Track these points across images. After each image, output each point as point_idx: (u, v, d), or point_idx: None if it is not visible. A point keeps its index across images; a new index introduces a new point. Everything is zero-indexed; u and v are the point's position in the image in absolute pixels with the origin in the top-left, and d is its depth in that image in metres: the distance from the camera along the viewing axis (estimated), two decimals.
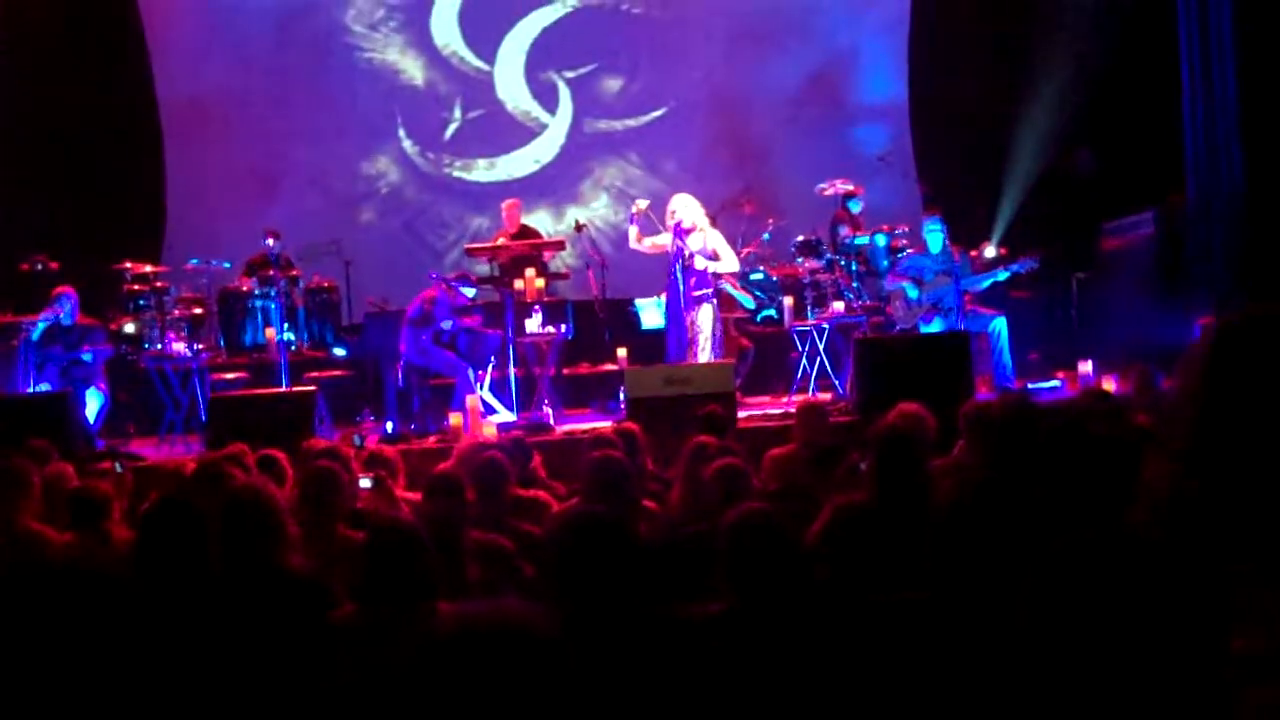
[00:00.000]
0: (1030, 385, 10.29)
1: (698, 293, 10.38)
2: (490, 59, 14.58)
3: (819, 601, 3.37)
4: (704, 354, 10.30)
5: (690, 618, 3.48)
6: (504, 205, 12.47)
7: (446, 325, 10.44)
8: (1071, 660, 1.83)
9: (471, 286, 10.79)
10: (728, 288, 10.94)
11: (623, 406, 9.64)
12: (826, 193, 12.33)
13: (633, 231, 10.73)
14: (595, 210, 14.40)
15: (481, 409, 9.92)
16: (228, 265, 12.36)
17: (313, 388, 10.13)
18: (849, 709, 3.09)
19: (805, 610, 3.34)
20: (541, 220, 13.74)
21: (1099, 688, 1.77)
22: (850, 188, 12.24)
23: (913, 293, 10.60)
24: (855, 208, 12.22)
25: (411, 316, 10.50)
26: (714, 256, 10.47)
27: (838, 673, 3.16)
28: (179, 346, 11.07)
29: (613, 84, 14.65)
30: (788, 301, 11.33)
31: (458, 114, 14.61)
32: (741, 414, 9.66)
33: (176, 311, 11.44)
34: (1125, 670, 1.79)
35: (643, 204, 10.89)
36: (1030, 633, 1.90)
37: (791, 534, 3.51)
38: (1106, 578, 1.88)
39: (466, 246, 12.61)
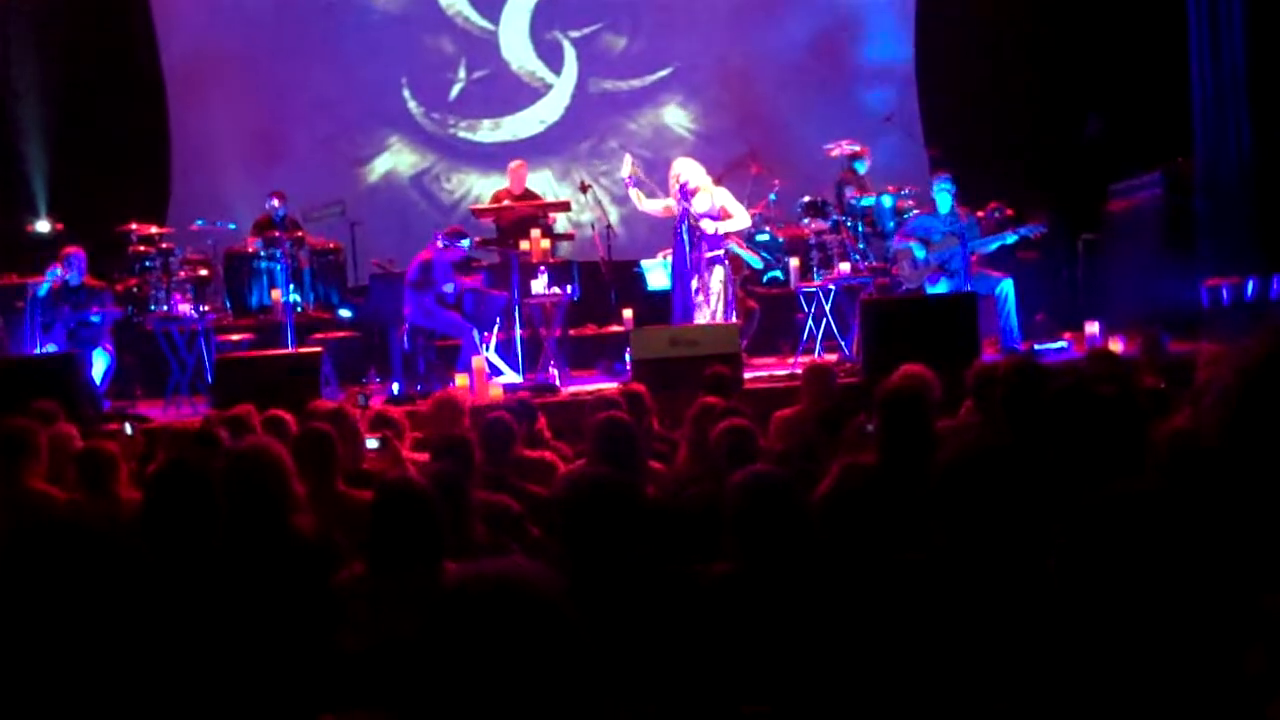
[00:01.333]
0: (1037, 346, 10.28)
1: (709, 254, 10.35)
2: (495, 19, 14.52)
3: (825, 562, 3.38)
4: (709, 315, 10.28)
5: (697, 578, 3.48)
6: (510, 166, 12.44)
7: (449, 288, 10.41)
8: (1106, 615, 1.83)
9: (465, 243, 10.71)
10: (734, 248, 10.91)
11: (628, 368, 9.64)
12: (833, 154, 12.29)
13: (634, 194, 10.68)
14: (600, 171, 14.35)
15: (487, 370, 9.92)
16: (233, 226, 12.36)
17: (318, 349, 10.15)
18: (854, 668, 3.10)
19: (812, 571, 3.35)
20: (546, 180, 13.72)
21: (1131, 644, 1.76)
22: (857, 149, 12.19)
23: (920, 253, 10.58)
24: (861, 169, 12.18)
25: (411, 279, 10.47)
26: (723, 214, 10.43)
27: (843, 633, 3.17)
28: (185, 308, 11.07)
29: (618, 44, 14.59)
30: (793, 262, 11.30)
31: (463, 74, 14.56)
32: (747, 375, 9.66)
33: (182, 273, 11.44)
34: (1157, 629, 1.79)
35: (629, 165, 10.79)
36: (1063, 587, 1.89)
37: (799, 495, 3.52)
38: (1143, 532, 1.88)
39: (472, 207, 12.59)
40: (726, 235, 10.55)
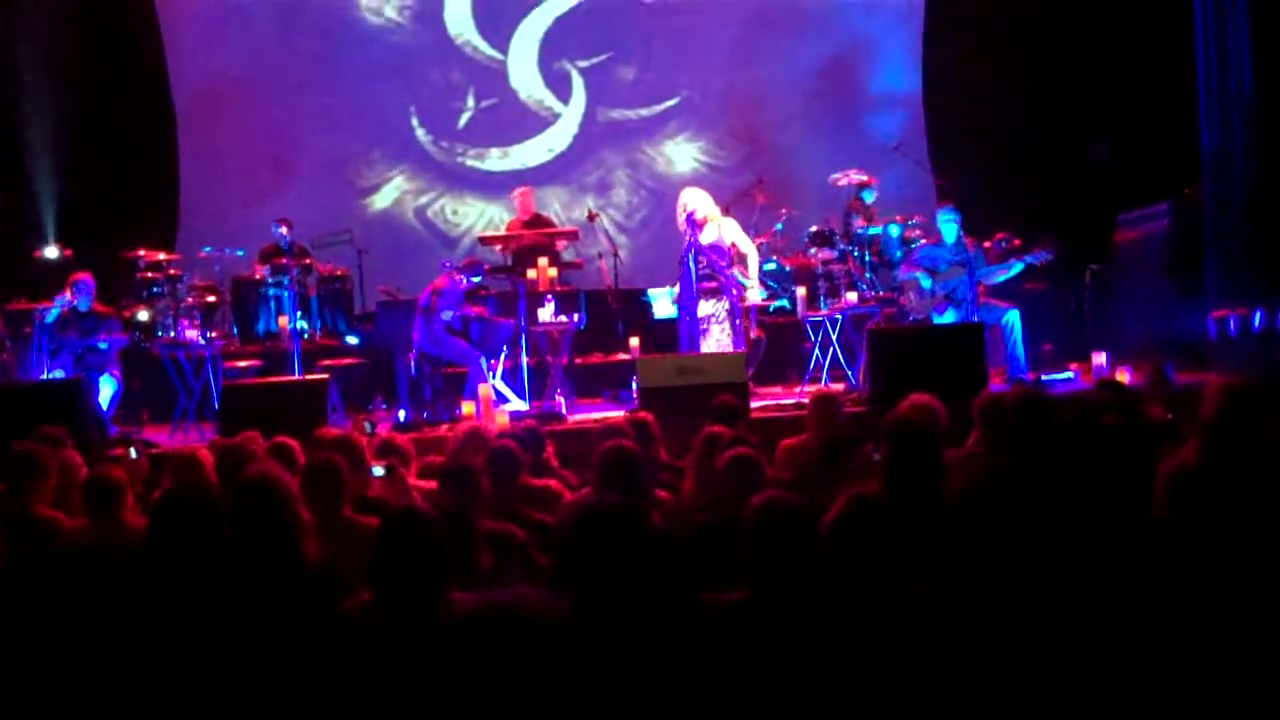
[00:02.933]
0: (1044, 377, 10.27)
1: (711, 284, 10.37)
2: (504, 48, 14.58)
3: (837, 592, 3.37)
4: (715, 344, 10.29)
5: (705, 608, 3.47)
6: (516, 194, 12.47)
7: (446, 316, 10.43)
8: (1143, 640, 1.82)
9: (479, 274, 10.77)
10: (738, 276, 10.93)
11: (635, 396, 9.64)
12: (840, 183, 12.31)
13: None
14: (608, 199, 14.39)
15: (494, 398, 9.92)
16: (241, 253, 12.39)
17: (325, 376, 10.15)
18: (865, 700, 3.09)
19: (823, 601, 3.33)
20: (554, 209, 13.75)
21: (1169, 668, 1.75)
22: (864, 178, 12.20)
23: (926, 283, 10.58)
24: (869, 198, 12.19)
25: (423, 305, 10.53)
26: (733, 252, 10.47)
27: (856, 664, 3.15)
28: (192, 334, 11.08)
29: (626, 73, 14.63)
30: (800, 292, 11.30)
31: (471, 103, 14.60)
32: (754, 404, 9.65)
33: (190, 299, 11.46)
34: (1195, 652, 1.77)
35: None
36: (1097, 613, 1.88)
37: (814, 523, 3.51)
38: (1183, 560, 1.87)
39: (480, 236, 12.61)
40: (732, 265, 10.57)
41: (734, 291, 10.47)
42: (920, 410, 5.30)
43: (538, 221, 12.22)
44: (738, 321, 10.41)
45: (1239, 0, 10.72)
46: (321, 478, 4.92)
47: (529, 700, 1.95)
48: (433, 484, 5.99)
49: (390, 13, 14.53)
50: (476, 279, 10.72)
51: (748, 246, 10.60)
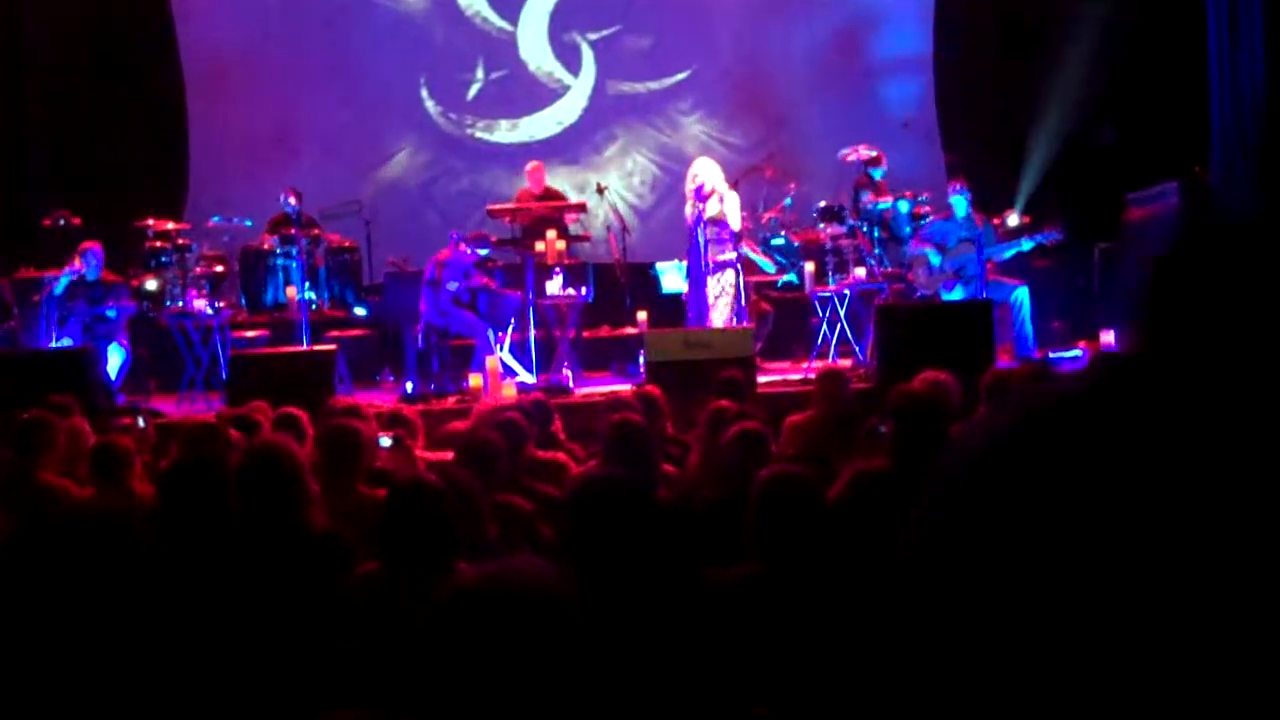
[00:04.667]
0: (1052, 354, 10.27)
1: (721, 258, 10.36)
2: (514, 19, 14.53)
3: (844, 565, 3.37)
4: (722, 318, 10.29)
5: (710, 581, 3.48)
6: (528, 168, 12.44)
7: (452, 287, 10.42)
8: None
9: (486, 246, 10.76)
10: (748, 252, 10.91)
11: (642, 370, 9.64)
12: (849, 158, 12.27)
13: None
14: (617, 172, 14.36)
15: (501, 370, 9.92)
16: (249, 223, 12.39)
17: (333, 347, 10.17)
18: (869, 674, 3.10)
19: (830, 575, 3.34)
20: (563, 182, 13.73)
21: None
22: (873, 154, 12.16)
23: (935, 259, 10.57)
24: (878, 174, 12.16)
25: (429, 278, 10.51)
26: (721, 218, 10.41)
27: (863, 637, 3.16)
28: (200, 304, 11.09)
29: (636, 46, 14.59)
30: (809, 267, 11.28)
31: (480, 74, 14.57)
32: (761, 379, 9.65)
33: (198, 269, 11.47)
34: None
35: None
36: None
37: (823, 496, 3.52)
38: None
39: (488, 207, 12.60)
40: (740, 240, 10.55)
41: (739, 265, 10.44)
42: (933, 387, 5.29)
43: (549, 195, 12.19)
44: (741, 302, 10.39)
45: None
46: (339, 445, 4.92)
47: (531, 670, 1.95)
48: (439, 455, 6.01)
49: None
50: (483, 251, 10.71)
51: (732, 218, 10.48)
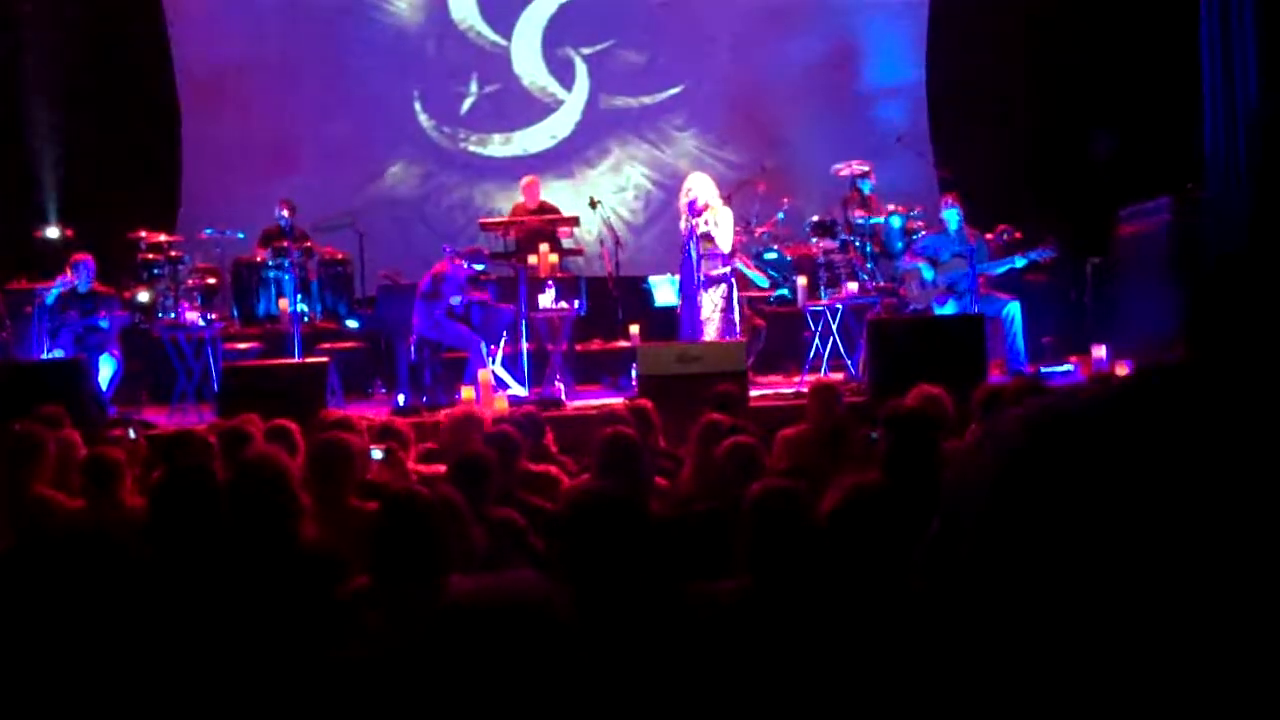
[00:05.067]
0: (1043, 369, 10.28)
1: (714, 272, 10.36)
2: (507, 34, 14.56)
3: (835, 580, 3.37)
4: (715, 333, 10.29)
5: (702, 595, 3.48)
6: (523, 182, 12.43)
7: (455, 301, 10.45)
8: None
9: (482, 262, 10.78)
10: (741, 266, 10.92)
11: (634, 383, 9.64)
12: (842, 173, 12.29)
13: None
14: (609, 186, 14.38)
15: (493, 383, 9.92)
16: (241, 236, 12.40)
17: (325, 359, 10.16)
18: (864, 690, 3.09)
19: (822, 589, 3.34)
20: (556, 196, 13.74)
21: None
22: (865, 168, 12.19)
23: (928, 273, 10.59)
24: (866, 188, 12.17)
25: (424, 290, 10.52)
26: (714, 247, 10.41)
27: (855, 652, 3.16)
28: (192, 316, 11.08)
29: (629, 61, 14.62)
30: (801, 281, 11.30)
31: (474, 88, 14.59)
32: (753, 393, 9.65)
33: (190, 281, 11.47)
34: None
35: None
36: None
37: (813, 511, 3.51)
38: None
39: (481, 221, 12.61)
40: (734, 254, 10.56)
41: (732, 280, 10.46)
42: (926, 401, 5.30)
43: (544, 209, 12.19)
44: (731, 314, 10.39)
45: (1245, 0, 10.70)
46: (330, 458, 4.91)
47: (522, 683, 1.95)
48: (432, 468, 6.00)
49: None
50: (479, 267, 10.72)
51: (724, 234, 10.44)
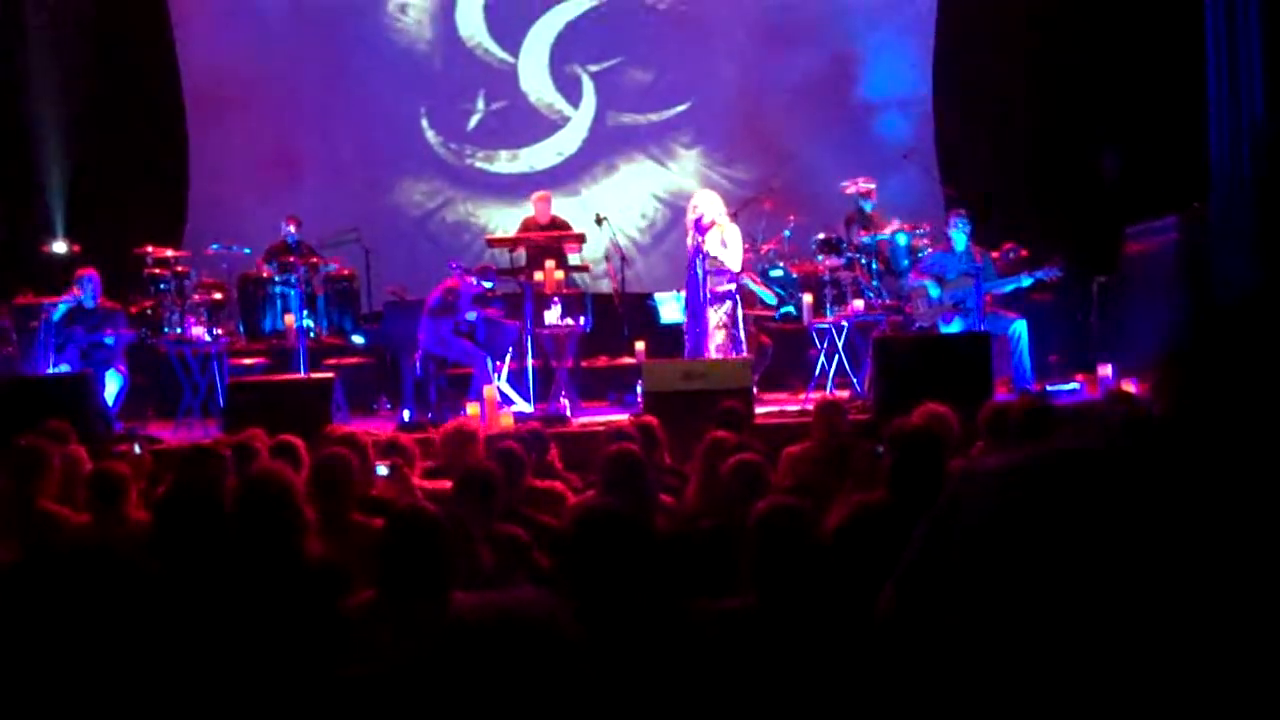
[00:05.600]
0: (1050, 388, 10.26)
1: (719, 289, 10.36)
2: (515, 51, 14.60)
3: (840, 598, 3.36)
4: (719, 349, 10.28)
5: (707, 612, 3.47)
6: (535, 196, 12.42)
7: (471, 316, 10.47)
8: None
9: (492, 279, 10.79)
10: (749, 283, 10.92)
11: (640, 400, 9.63)
12: (849, 191, 12.29)
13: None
14: (616, 203, 14.39)
15: (498, 399, 9.92)
16: (248, 251, 12.42)
17: (331, 375, 10.16)
18: (866, 707, 3.08)
19: (827, 607, 3.33)
20: (562, 213, 13.77)
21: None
22: (871, 186, 12.19)
23: (934, 291, 10.58)
24: (868, 207, 12.17)
25: (432, 306, 10.52)
26: (720, 264, 10.41)
27: (858, 670, 3.15)
28: (198, 331, 11.10)
29: (636, 78, 14.64)
30: (807, 299, 11.30)
31: (481, 105, 14.63)
32: (759, 410, 9.64)
33: (196, 296, 11.47)
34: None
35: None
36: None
37: (819, 528, 3.51)
38: None
39: (488, 238, 12.62)
40: (741, 270, 10.56)
41: (738, 297, 10.46)
42: (933, 420, 5.29)
43: (555, 225, 12.17)
44: (736, 330, 10.38)
45: (1251, 17, 10.70)
46: (332, 473, 4.92)
47: (527, 700, 1.95)
48: (437, 484, 5.99)
49: (402, 14, 14.55)
50: (489, 284, 10.72)
51: (732, 251, 10.44)
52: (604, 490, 5.02)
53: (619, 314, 11.46)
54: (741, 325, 10.46)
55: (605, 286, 11.96)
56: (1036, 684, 1.46)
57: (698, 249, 10.36)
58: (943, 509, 1.65)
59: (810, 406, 8.69)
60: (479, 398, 9.80)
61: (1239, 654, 1.40)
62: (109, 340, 10.59)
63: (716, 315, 10.37)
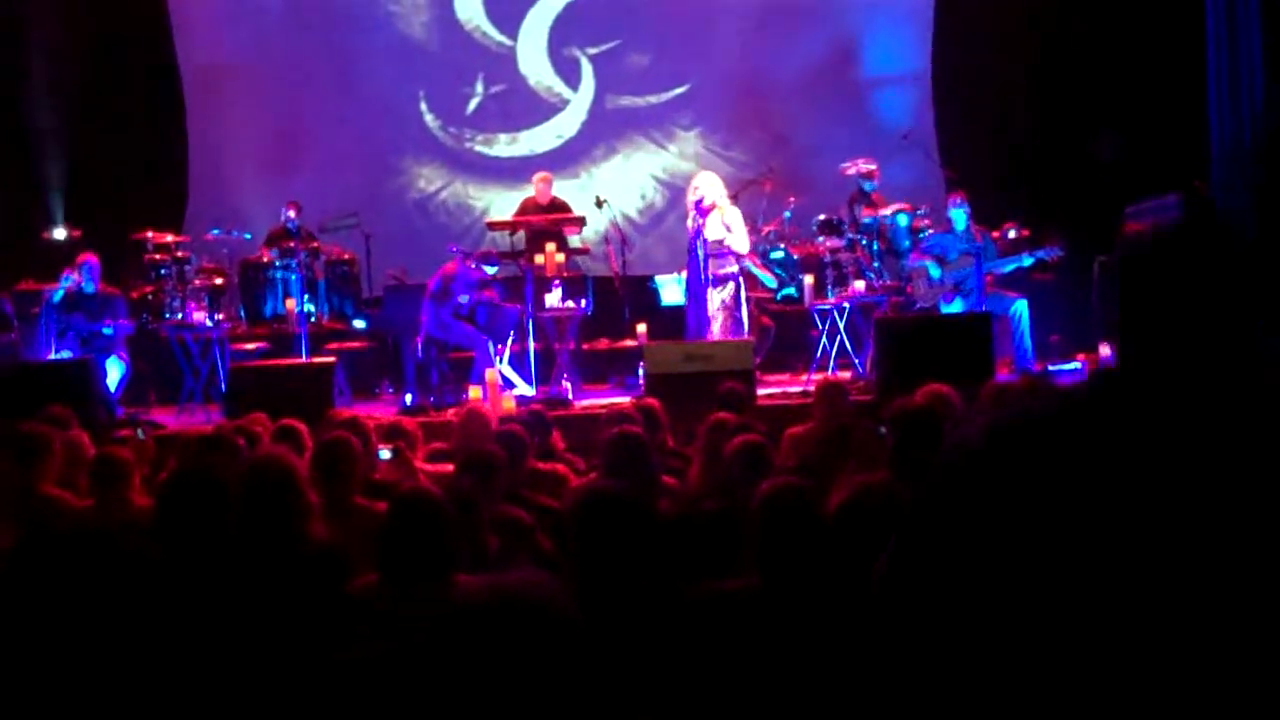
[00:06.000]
0: (1051, 367, 10.26)
1: (721, 271, 10.34)
2: (513, 34, 14.56)
3: (843, 579, 3.36)
4: (721, 331, 10.27)
5: (709, 593, 3.47)
6: (536, 177, 12.40)
7: (463, 300, 10.46)
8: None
9: (494, 264, 10.79)
10: (750, 265, 10.91)
11: (642, 382, 9.63)
12: (849, 172, 12.27)
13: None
14: (616, 185, 14.37)
15: (500, 383, 9.92)
16: (248, 236, 12.41)
17: (332, 359, 10.17)
18: (869, 687, 3.09)
19: (830, 587, 3.33)
20: (562, 196, 13.75)
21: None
22: (871, 167, 12.17)
23: (935, 272, 10.57)
24: (870, 187, 12.16)
25: (432, 290, 10.52)
26: (724, 246, 10.40)
27: (861, 651, 3.15)
28: (199, 316, 11.10)
29: (635, 60, 14.61)
30: (808, 280, 11.29)
31: (480, 89, 14.60)
32: (761, 392, 9.65)
33: (197, 281, 11.47)
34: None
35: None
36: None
37: (822, 509, 3.51)
38: None
39: (488, 221, 12.60)
40: (740, 254, 10.55)
41: (740, 279, 10.44)
42: (935, 400, 5.29)
43: (555, 206, 12.15)
44: (739, 313, 10.38)
45: None
46: (334, 457, 4.92)
47: (530, 682, 1.95)
48: (439, 467, 6.00)
49: None
50: (491, 269, 10.72)
51: (738, 234, 10.43)
52: (606, 472, 5.03)
53: (620, 296, 11.45)
54: (744, 307, 10.45)
55: (606, 268, 11.94)
56: (1030, 654, 1.47)
57: (698, 231, 10.35)
58: (929, 482, 1.67)
59: (812, 388, 8.69)
60: (481, 381, 9.81)
61: (1226, 602, 1.42)
62: (108, 330, 10.58)
63: (718, 297, 10.36)
